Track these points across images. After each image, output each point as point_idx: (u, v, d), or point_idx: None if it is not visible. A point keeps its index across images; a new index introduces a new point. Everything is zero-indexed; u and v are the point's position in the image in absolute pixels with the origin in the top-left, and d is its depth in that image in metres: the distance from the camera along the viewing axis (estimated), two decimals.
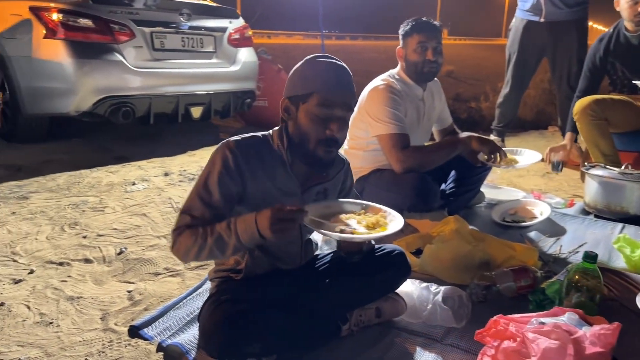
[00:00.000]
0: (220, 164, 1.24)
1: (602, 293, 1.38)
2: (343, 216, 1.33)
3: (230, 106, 4.20)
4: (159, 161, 3.46)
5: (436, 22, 2.25)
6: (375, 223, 1.32)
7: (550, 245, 2.14)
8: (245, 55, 4.29)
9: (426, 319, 1.49)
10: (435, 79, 2.47)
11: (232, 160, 1.24)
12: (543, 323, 1.18)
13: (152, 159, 3.51)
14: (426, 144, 2.50)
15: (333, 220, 1.31)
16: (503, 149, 2.28)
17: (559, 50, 3.25)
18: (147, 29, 3.53)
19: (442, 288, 1.55)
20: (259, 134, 1.36)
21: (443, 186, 2.48)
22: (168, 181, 2.97)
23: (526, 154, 2.39)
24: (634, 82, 2.64)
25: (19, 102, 3.43)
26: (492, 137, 3.87)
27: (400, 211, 2.34)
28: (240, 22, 4.28)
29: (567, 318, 1.19)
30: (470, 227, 2.29)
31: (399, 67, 2.33)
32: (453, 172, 2.46)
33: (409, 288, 1.58)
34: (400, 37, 2.28)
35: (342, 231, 1.24)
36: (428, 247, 1.85)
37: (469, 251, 1.83)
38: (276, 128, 1.38)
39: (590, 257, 1.28)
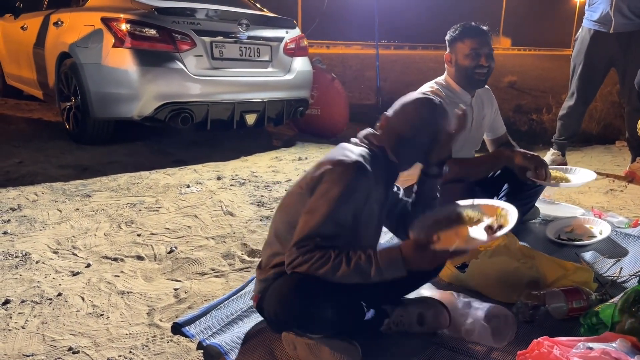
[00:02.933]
0: (353, 186, 1.26)
1: None
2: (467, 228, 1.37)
3: (283, 114, 4.28)
4: (213, 165, 3.59)
5: (485, 27, 2.19)
6: (498, 222, 1.35)
7: (608, 267, 2.01)
8: (300, 64, 4.36)
9: (465, 334, 1.45)
10: (487, 86, 2.41)
11: (363, 183, 1.29)
12: (591, 348, 1.11)
13: (207, 163, 3.64)
14: (476, 155, 2.44)
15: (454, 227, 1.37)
16: (557, 166, 2.18)
17: (629, 62, 3.06)
18: (207, 39, 3.68)
19: (487, 305, 1.50)
20: (365, 150, 1.39)
21: (495, 199, 2.40)
22: (220, 185, 3.07)
23: (579, 173, 2.26)
24: None
25: (88, 107, 3.67)
26: (553, 150, 3.70)
27: None
28: (296, 32, 4.37)
29: (618, 345, 1.11)
30: (521, 243, 2.21)
31: (446, 73, 2.29)
32: (506, 186, 2.37)
33: (451, 301, 1.54)
34: (448, 42, 2.23)
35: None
36: (474, 261, 1.80)
37: (516, 268, 1.76)
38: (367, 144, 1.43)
39: None
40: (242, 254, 2.10)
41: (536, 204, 2.49)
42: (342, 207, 1.23)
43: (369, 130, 1.48)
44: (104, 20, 3.55)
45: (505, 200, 2.35)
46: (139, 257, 2.08)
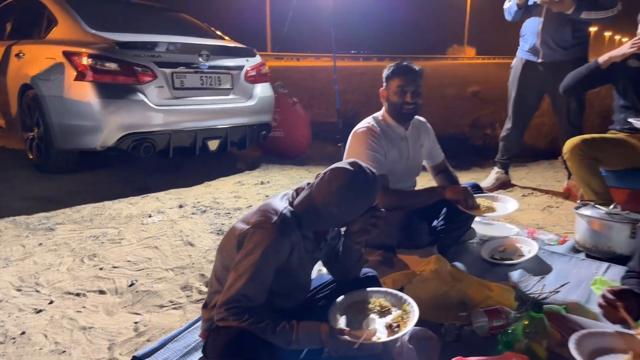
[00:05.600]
0: (273, 248, 1.38)
1: (554, 338, 1.48)
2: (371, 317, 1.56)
3: (246, 138, 4.45)
4: (176, 192, 3.71)
5: (416, 67, 2.41)
6: (398, 318, 1.53)
7: (533, 285, 2.23)
8: (262, 90, 4.54)
9: (396, 356, 1.62)
10: (423, 118, 2.64)
11: (284, 243, 1.41)
12: None
13: (170, 190, 3.76)
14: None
15: (359, 313, 1.57)
16: (486, 194, 2.41)
17: (557, 88, 3.36)
18: (168, 70, 3.81)
19: (413, 329, 1.68)
20: (289, 207, 1.48)
21: (435, 222, 2.60)
22: (182, 213, 3.19)
23: (505, 201, 2.49)
24: (629, 119, 2.71)
25: (52, 138, 3.76)
26: (496, 169, 3.96)
27: (389, 248, 2.51)
28: (257, 59, 4.55)
29: None
30: (457, 263, 2.43)
31: (383, 108, 2.51)
32: (445, 209, 2.58)
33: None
34: (384, 79, 2.45)
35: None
36: (408, 286, 1.99)
37: (445, 291, 1.95)
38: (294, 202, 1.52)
39: (537, 306, 1.40)
40: (200, 285, 2.24)
41: (473, 225, 2.72)
42: (264, 269, 1.37)
43: (301, 185, 1.57)
44: (66, 54, 3.64)
45: (444, 224, 2.57)
46: (101, 292, 2.19)
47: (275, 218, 1.41)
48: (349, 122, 6.12)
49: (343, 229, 1.65)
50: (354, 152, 2.39)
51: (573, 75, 2.88)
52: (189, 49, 3.94)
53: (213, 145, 4.17)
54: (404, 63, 2.42)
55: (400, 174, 2.50)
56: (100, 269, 2.40)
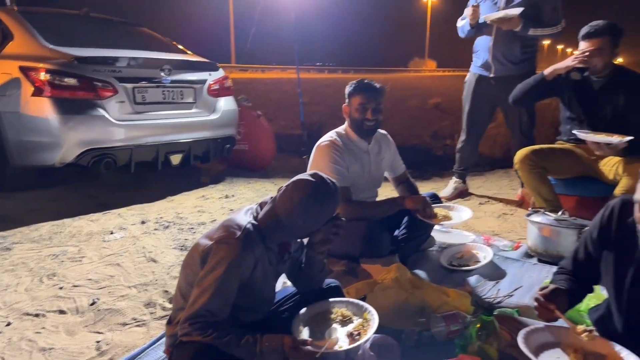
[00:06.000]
0: (236, 264, 1.40)
1: (505, 340, 1.57)
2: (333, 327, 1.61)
3: (210, 152, 4.44)
4: (139, 208, 3.67)
5: (377, 85, 2.50)
6: (359, 327, 1.59)
7: (488, 289, 2.33)
8: (225, 103, 4.56)
9: None
10: (384, 132, 2.73)
11: (247, 258, 1.43)
12: None
13: (132, 205, 3.71)
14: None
15: (322, 324, 1.62)
16: (443, 204, 2.53)
17: (509, 102, 3.54)
18: (129, 85, 3.79)
19: (374, 336, 1.73)
20: (252, 222, 1.51)
21: (396, 232, 2.68)
22: (144, 229, 3.16)
23: (459, 210, 2.62)
24: (574, 131, 2.88)
25: (7, 155, 3.65)
26: (455, 179, 4.11)
27: (353, 258, 2.57)
28: (219, 73, 4.57)
29: None
30: (418, 270, 2.51)
31: (346, 122, 2.59)
32: (406, 218, 2.67)
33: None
34: (346, 96, 2.54)
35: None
36: (370, 294, 2.05)
37: (405, 298, 2.02)
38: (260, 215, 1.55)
39: (487, 311, 1.49)
40: (164, 302, 2.23)
41: (432, 234, 2.82)
42: (227, 284, 1.40)
43: (265, 199, 1.61)
44: (22, 70, 3.56)
45: (405, 232, 2.65)
46: (61, 311, 2.15)
47: (238, 233, 1.44)
48: (314, 135, 6.21)
49: (306, 241, 1.70)
50: (317, 165, 2.46)
51: (521, 86, 3.05)
52: (150, 63, 3.93)
53: (176, 159, 4.15)
54: (365, 81, 2.51)
55: (363, 186, 2.58)
56: (60, 288, 2.36)
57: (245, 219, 1.51)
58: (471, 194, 4.14)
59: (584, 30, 2.73)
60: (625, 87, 2.72)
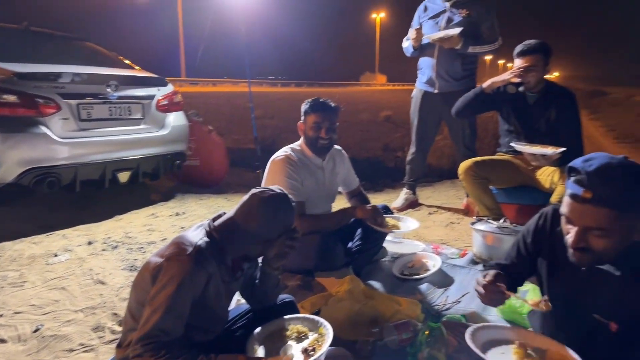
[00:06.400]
0: (188, 280, 1.38)
1: (452, 345, 1.64)
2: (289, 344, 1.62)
3: (159, 169, 4.36)
4: (85, 228, 3.54)
5: (332, 104, 2.57)
6: (314, 342, 1.60)
7: (438, 296, 2.42)
8: (175, 119, 4.50)
9: None
10: (339, 147, 2.79)
11: (199, 274, 1.41)
12: None
13: (77, 226, 3.57)
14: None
15: (278, 341, 1.62)
16: (393, 215, 2.62)
17: (452, 116, 3.72)
18: (73, 101, 3.67)
19: (328, 348, 1.76)
20: (204, 238, 1.50)
21: (350, 244, 2.73)
22: (91, 250, 3.06)
23: (407, 221, 2.72)
24: (511, 143, 3.05)
25: None
26: (405, 190, 4.24)
27: (307, 272, 2.60)
28: (169, 88, 4.51)
29: None
30: (372, 281, 2.57)
31: (301, 139, 2.63)
32: (359, 230, 2.73)
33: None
34: (302, 113, 2.59)
35: None
36: (324, 307, 2.08)
37: (359, 309, 2.06)
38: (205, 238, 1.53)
39: (434, 318, 1.55)
40: (113, 325, 2.16)
41: (384, 245, 2.89)
42: (180, 302, 1.38)
43: (219, 214, 1.62)
44: None
45: (359, 244, 2.71)
46: (1, 340, 2.04)
47: (190, 249, 1.43)
48: (267, 149, 6.22)
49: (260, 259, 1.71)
50: (272, 179, 2.48)
51: (463, 99, 3.21)
52: (95, 79, 3.83)
53: (124, 177, 4.04)
54: (321, 100, 2.56)
55: (317, 200, 2.62)
56: (0, 315, 2.23)
57: (197, 235, 1.51)
58: (421, 204, 4.28)
59: (518, 48, 2.92)
60: (556, 102, 2.93)
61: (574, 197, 1.29)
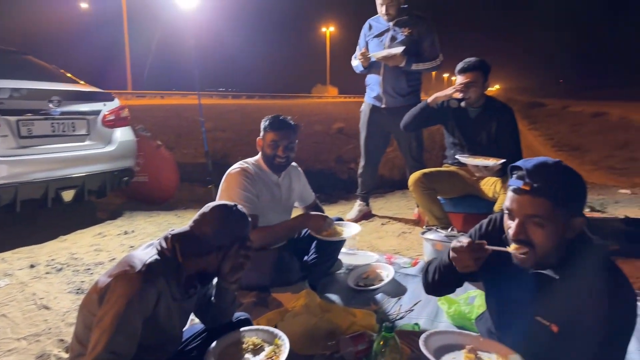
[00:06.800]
0: (137, 298, 1.34)
1: (405, 354, 1.68)
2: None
3: (106, 186, 4.21)
4: (27, 250, 3.36)
5: (292, 122, 2.59)
6: (271, 353, 1.61)
7: (392, 306, 2.47)
8: (122, 134, 4.37)
9: None
10: (295, 164, 2.81)
11: (149, 292, 1.37)
12: None
13: (18, 248, 3.39)
14: None
15: (234, 355, 1.61)
16: (337, 221, 2.70)
17: (400, 130, 3.86)
18: (12, 118, 3.50)
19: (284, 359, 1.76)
20: (155, 256, 1.47)
21: (306, 257, 2.75)
22: (34, 274, 2.90)
23: (349, 226, 2.75)
24: (456, 156, 3.19)
25: None
26: (359, 202, 4.31)
27: (263, 288, 2.59)
28: (115, 103, 4.39)
29: None
30: (329, 294, 2.58)
31: (259, 154, 2.63)
32: (314, 244, 2.75)
33: None
34: (261, 129, 2.59)
35: None
36: (280, 323, 2.07)
37: (315, 323, 2.08)
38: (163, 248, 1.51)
39: (388, 328, 1.59)
40: (59, 352, 2.06)
41: (340, 257, 2.93)
42: (130, 321, 1.34)
43: (170, 231, 1.59)
44: None
45: (314, 257, 2.73)
46: None
47: (140, 267, 1.40)
48: (219, 163, 6.15)
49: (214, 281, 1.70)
50: (227, 191, 2.45)
51: (409, 113, 3.35)
52: (37, 94, 3.67)
53: (68, 195, 3.88)
54: (280, 117, 2.57)
55: (273, 216, 2.62)
56: None
57: (147, 253, 1.48)
58: (374, 215, 4.36)
59: (459, 65, 3.08)
60: (496, 117, 3.10)
61: (515, 190, 1.42)
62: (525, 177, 1.39)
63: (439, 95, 3.21)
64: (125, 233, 3.84)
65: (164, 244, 1.52)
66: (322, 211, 2.94)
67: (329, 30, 60.91)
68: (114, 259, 3.20)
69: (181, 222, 4.25)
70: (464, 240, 1.54)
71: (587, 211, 4.34)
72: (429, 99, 3.25)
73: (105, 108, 4.24)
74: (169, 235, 1.54)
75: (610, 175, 9.47)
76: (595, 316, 1.35)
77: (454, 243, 1.56)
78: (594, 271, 1.41)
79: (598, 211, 4.39)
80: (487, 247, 1.51)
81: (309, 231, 2.68)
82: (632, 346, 1.96)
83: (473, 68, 3.03)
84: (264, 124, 2.58)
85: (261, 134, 2.60)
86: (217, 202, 1.62)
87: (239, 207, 1.61)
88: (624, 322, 1.38)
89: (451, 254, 1.56)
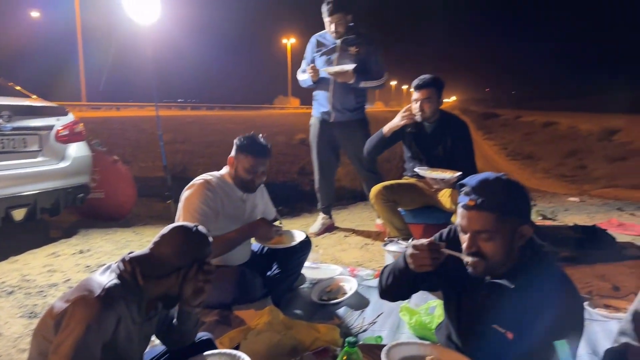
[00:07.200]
0: (96, 323, 1.30)
1: None
2: None
3: (60, 203, 4.07)
4: None
5: (269, 146, 2.56)
6: None
7: (355, 319, 2.49)
8: (77, 150, 4.24)
9: None
10: None
11: (108, 316, 1.33)
12: None
13: None
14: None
15: None
16: (283, 230, 2.71)
17: (349, 143, 3.94)
18: None
19: None
20: (114, 280, 1.43)
21: (268, 273, 2.73)
22: None
23: (295, 235, 2.74)
24: (415, 169, 3.27)
25: None
26: (322, 214, 4.34)
27: (225, 306, 2.55)
28: (69, 118, 4.25)
29: None
30: (293, 310, 2.58)
31: (225, 169, 2.58)
32: (275, 264, 2.74)
33: None
34: (235, 147, 2.51)
35: None
36: (244, 341, 2.05)
37: (279, 340, 2.07)
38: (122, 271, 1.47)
39: (351, 343, 1.60)
40: None
41: (303, 271, 2.93)
42: (88, 347, 1.29)
43: (128, 254, 1.54)
44: None
45: (277, 273, 2.72)
46: None
47: (98, 291, 1.36)
48: (178, 176, 6.04)
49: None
50: (187, 202, 2.39)
51: (369, 142, 3.48)
52: None
53: (19, 214, 3.71)
54: (258, 141, 2.53)
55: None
56: None
57: (106, 276, 1.44)
58: (337, 227, 4.39)
59: (414, 82, 3.20)
60: (451, 131, 3.23)
61: (463, 206, 1.51)
62: (470, 193, 1.48)
63: (392, 126, 3.34)
64: (81, 252, 3.71)
65: (122, 267, 1.48)
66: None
67: (289, 41, 61.29)
68: (68, 279, 3.08)
69: (139, 239, 4.14)
70: (424, 240, 1.60)
71: (539, 219, 4.53)
72: (384, 130, 3.36)
73: (59, 123, 4.10)
74: (127, 258, 1.50)
75: (561, 182, 9.91)
76: (545, 323, 1.42)
77: (415, 242, 1.62)
78: (544, 279, 1.49)
79: (549, 219, 4.59)
80: (444, 249, 1.58)
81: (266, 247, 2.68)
82: (582, 350, 2.06)
83: (427, 85, 3.15)
84: (239, 143, 2.50)
85: (234, 152, 2.52)
86: (177, 223, 1.60)
87: (200, 227, 1.59)
88: (572, 327, 1.46)
89: (410, 251, 1.60)
